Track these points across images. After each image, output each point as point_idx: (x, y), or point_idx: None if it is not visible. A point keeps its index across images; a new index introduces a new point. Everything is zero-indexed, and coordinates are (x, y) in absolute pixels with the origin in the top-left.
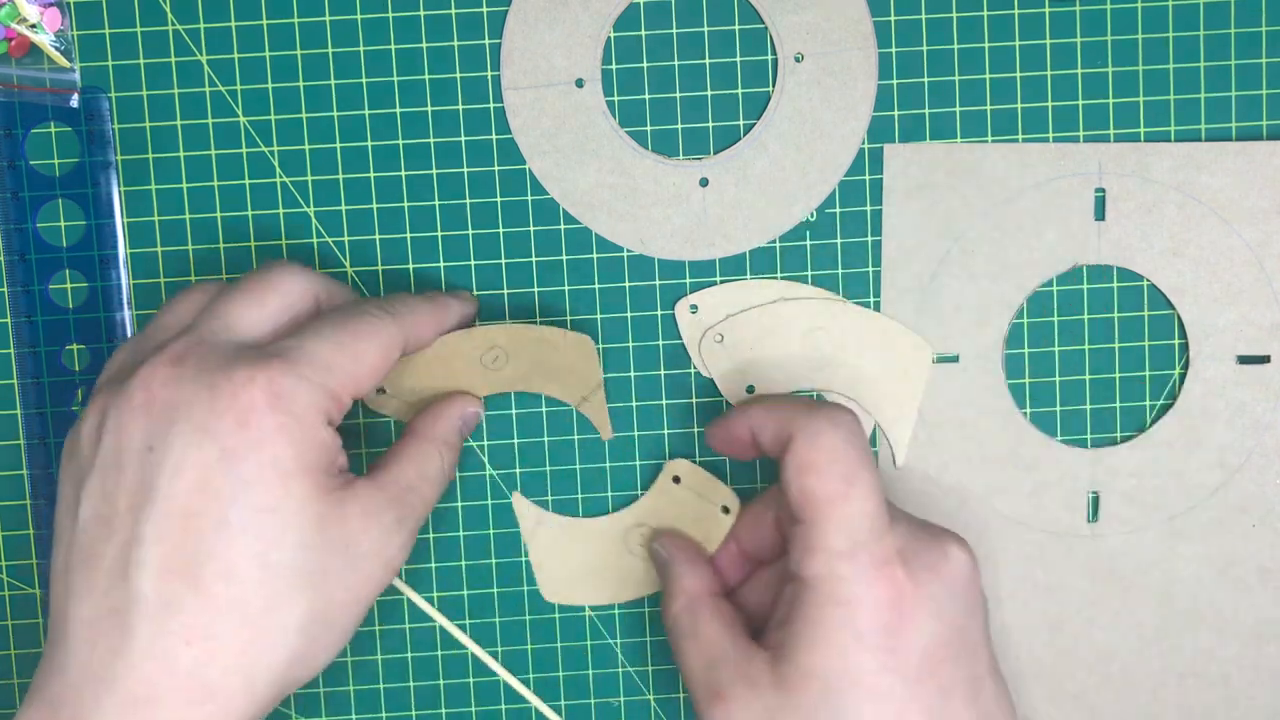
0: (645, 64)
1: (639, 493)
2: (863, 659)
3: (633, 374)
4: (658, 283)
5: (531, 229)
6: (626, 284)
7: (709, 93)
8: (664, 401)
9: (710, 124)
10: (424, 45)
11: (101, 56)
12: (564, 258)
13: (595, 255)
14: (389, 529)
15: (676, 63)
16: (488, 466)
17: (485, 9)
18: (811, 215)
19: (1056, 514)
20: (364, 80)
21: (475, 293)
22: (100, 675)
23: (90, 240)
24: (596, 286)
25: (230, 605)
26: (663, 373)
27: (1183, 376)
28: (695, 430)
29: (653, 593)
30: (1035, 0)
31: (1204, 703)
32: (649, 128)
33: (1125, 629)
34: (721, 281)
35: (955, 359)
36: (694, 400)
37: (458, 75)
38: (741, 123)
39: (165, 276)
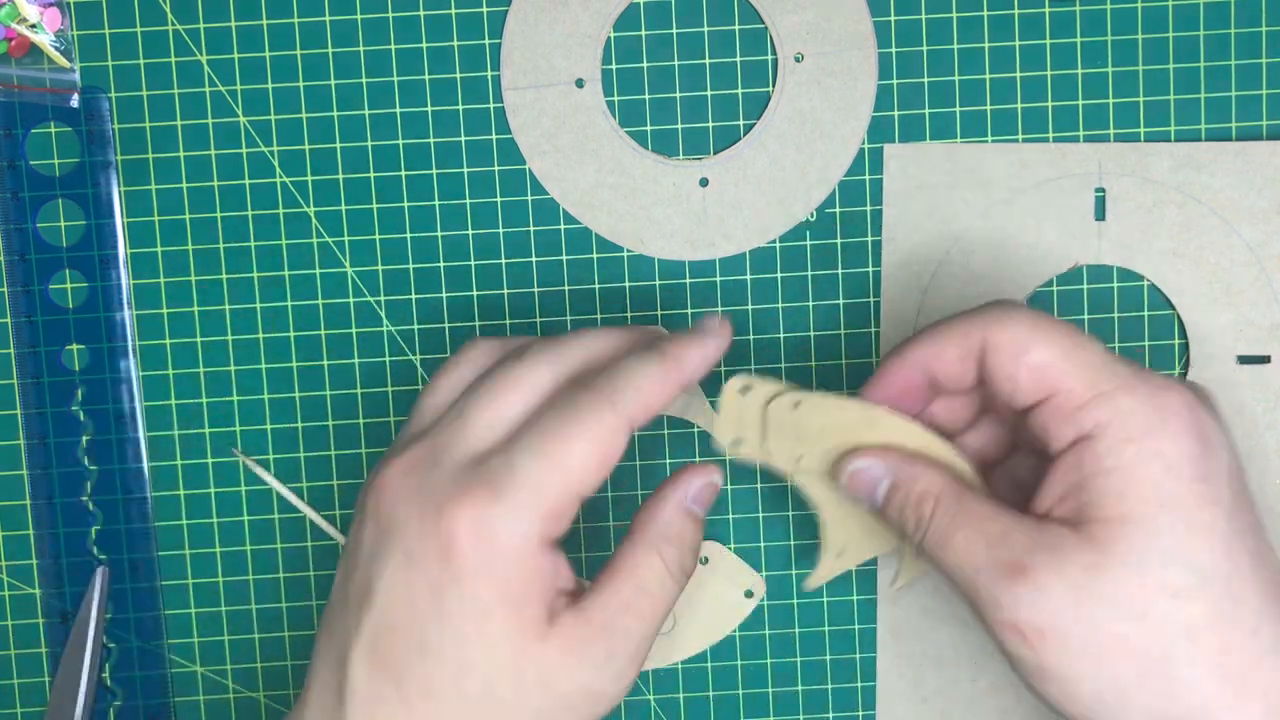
0: (645, 64)
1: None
2: (1180, 492)
3: None
4: (658, 283)
5: (531, 229)
6: (626, 284)
7: (709, 93)
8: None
9: (710, 124)
10: (424, 45)
11: (101, 56)
12: (564, 258)
13: (595, 255)
14: (597, 665)
15: (676, 63)
16: None
17: (485, 9)
18: (811, 215)
19: None
20: (364, 80)
21: (475, 292)
22: None
23: (90, 240)
24: (596, 286)
25: (430, 717)
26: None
27: (1183, 376)
28: (695, 431)
29: (658, 667)
30: (1035, 0)
31: None
32: (649, 128)
33: None
34: (722, 282)
35: None
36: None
37: (458, 75)
38: (741, 123)
39: (165, 276)
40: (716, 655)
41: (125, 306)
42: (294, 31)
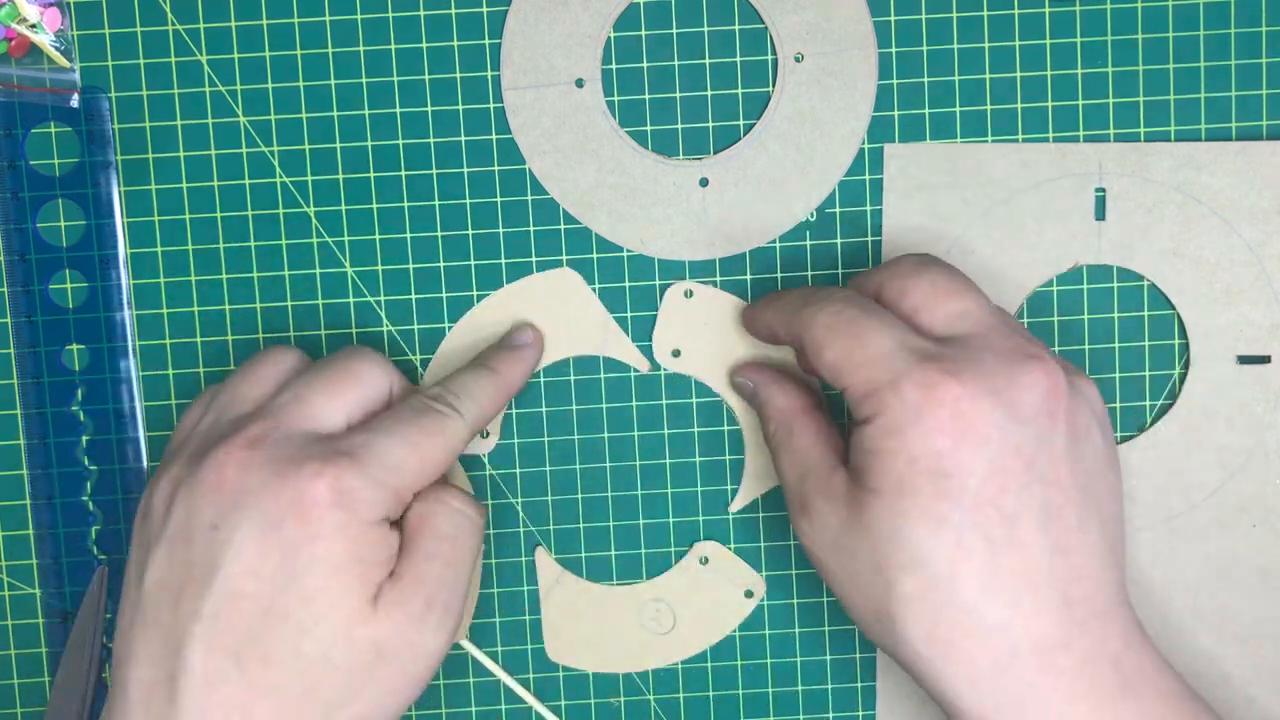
0: (645, 64)
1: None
2: (919, 483)
3: (632, 375)
4: (657, 282)
5: (531, 229)
6: (626, 284)
7: (709, 93)
8: (663, 401)
9: (710, 124)
10: (424, 45)
11: (101, 56)
12: (564, 258)
13: (595, 255)
14: (415, 617)
15: (676, 63)
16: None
17: (485, 9)
18: (811, 215)
19: None
20: (364, 80)
21: (475, 292)
22: None
23: (90, 240)
24: (597, 286)
25: (268, 688)
26: (664, 373)
27: (1183, 376)
28: (695, 430)
29: (658, 667)
30: (1035, 0)
31: None
32: (649, 128)
33: None
34: (722, 282)
35: None
36: (694, 400)
37: (458, 75)
38: (741, 123)
39: (165, 276)
40: (716, 655)
41: (125, 306)
42: (294, 31)
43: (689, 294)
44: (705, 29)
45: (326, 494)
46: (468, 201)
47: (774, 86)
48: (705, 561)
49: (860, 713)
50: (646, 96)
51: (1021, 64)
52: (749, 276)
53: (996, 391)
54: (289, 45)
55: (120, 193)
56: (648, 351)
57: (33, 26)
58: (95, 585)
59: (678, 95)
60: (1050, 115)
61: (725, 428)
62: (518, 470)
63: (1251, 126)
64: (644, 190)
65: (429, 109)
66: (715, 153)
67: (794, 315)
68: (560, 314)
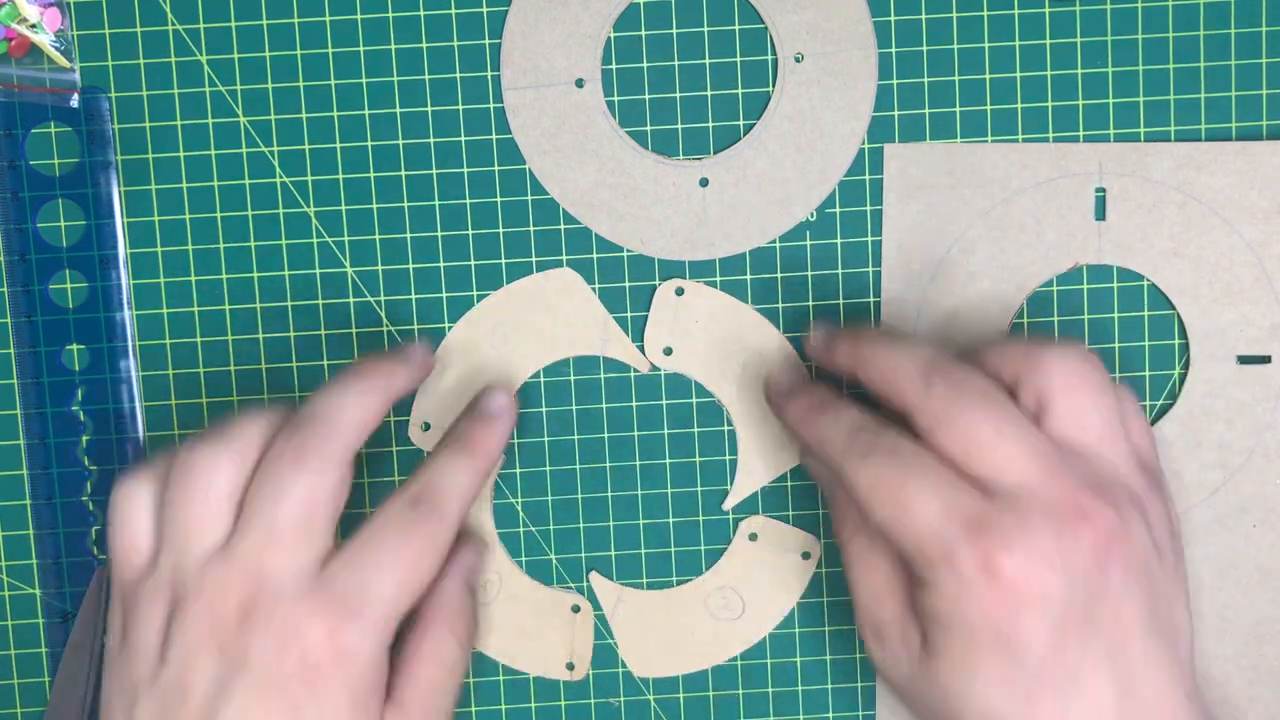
0: (645, 64)
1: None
2: (980, 650)
3: (632, 375)
4: (658, 283)
5: (531, 229)
6: (626, 284)
7: (709, 93)
8: (664, 401)
9: (710, 124)
10: (424, 45)
11: (101, 56)
12: (564, 257)
13: (595, 255)
14: None
15: (677, 63)
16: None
17: (485, 9)
18: (811, 215)
19: None
20: (364, 80)
21: (475, 292)
22: None
23: (90, 240)
24: (597, 286)
25: None
26: (663, 374)
27: (1183, 376)
28: (695, 431)
29: (745, 649)
30: (1035, 0)
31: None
32: (649, 128)
33: None
34: (721, 282)
35: None
36: (694, 400)
37: (458, 75)
38: (741, 123)
39: (165, 276)
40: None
41: (125, 306)
42: (294, 31)
43: (679, 292)
44: (705, 29)
45: (327, 656)
46: (468, 201)
47: (774, 86)
48: (754, 538)
49: (860, 713)
50: (646, 96)
51: (1021, 64)
52: (749, 276)
53: (1048, 558)
54: (289, 45)
55: (120, 193)
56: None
57: (33, 26)
58: (95, 585)
59: (678, 95)
60: (1050, 115)
61: (725, 428)
62: (518, 470)
63: (1251, 126)
64: (644, 190)
65: (429, 109)
66: (715, 153)
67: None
68: (560, 314)
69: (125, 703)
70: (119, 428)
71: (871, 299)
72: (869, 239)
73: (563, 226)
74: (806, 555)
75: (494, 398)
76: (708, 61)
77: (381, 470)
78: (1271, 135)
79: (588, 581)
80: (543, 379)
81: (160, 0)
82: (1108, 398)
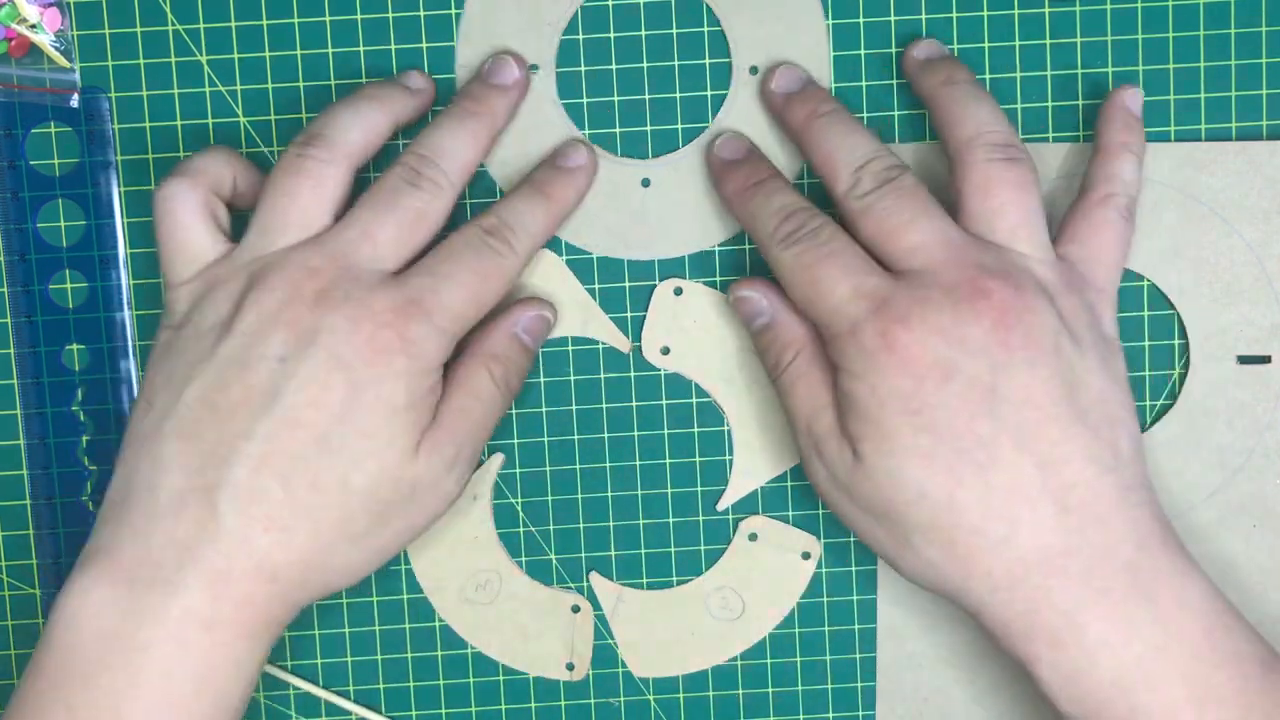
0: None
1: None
2: (895, 423)
3: (632, 375)
4: (657, 283)
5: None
6: (626, 284)
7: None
8: (663, 401)
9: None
10: (424, 45)
11: (101, 56)
12: (564, 258)
13: (595, 255)
14: (447, 463)
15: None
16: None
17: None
18: None
19: None
20: (364, 81)
21: None
22: (184, 546)
23: (90, 240)
24: (596, 286)
25: (308, 509)
26: (663, 374)
27: (1183, 376)
28: (695, 431)
29: (745, 649)
30: (1035, 0)
31: None
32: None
33: None
34: (721, 282)
35: None
36: (694, 400)
37: (458, 76)
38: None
39: None
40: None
41: (125, 306)
42: (294, 31)
43: (678, 291)
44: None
45: (397, 341)
46: (467, 202)
47: (727, 95)
48: (754, 538)
49: (860, 713)
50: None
51: (1021, 64)
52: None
53: (943, 330)
54: (289, 45)
55: (120, 193)
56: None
57: (33, 26)
58: None
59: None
60: (1050, 115)
61: (725, 428)
62: (518, 470)
63: (1251, 126)
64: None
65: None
66: (657, 155)
67: (754, 212)
68: (540, 295)
69: (180, 378)
70: (119, 428)
71: None
72: None
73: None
74: (806, 555)
75: (575, 151)
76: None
77: None
78: (1271, 135)
79: (588, 581)
80: (542, 379)
81: (160, 0)
82: (1026, 197)
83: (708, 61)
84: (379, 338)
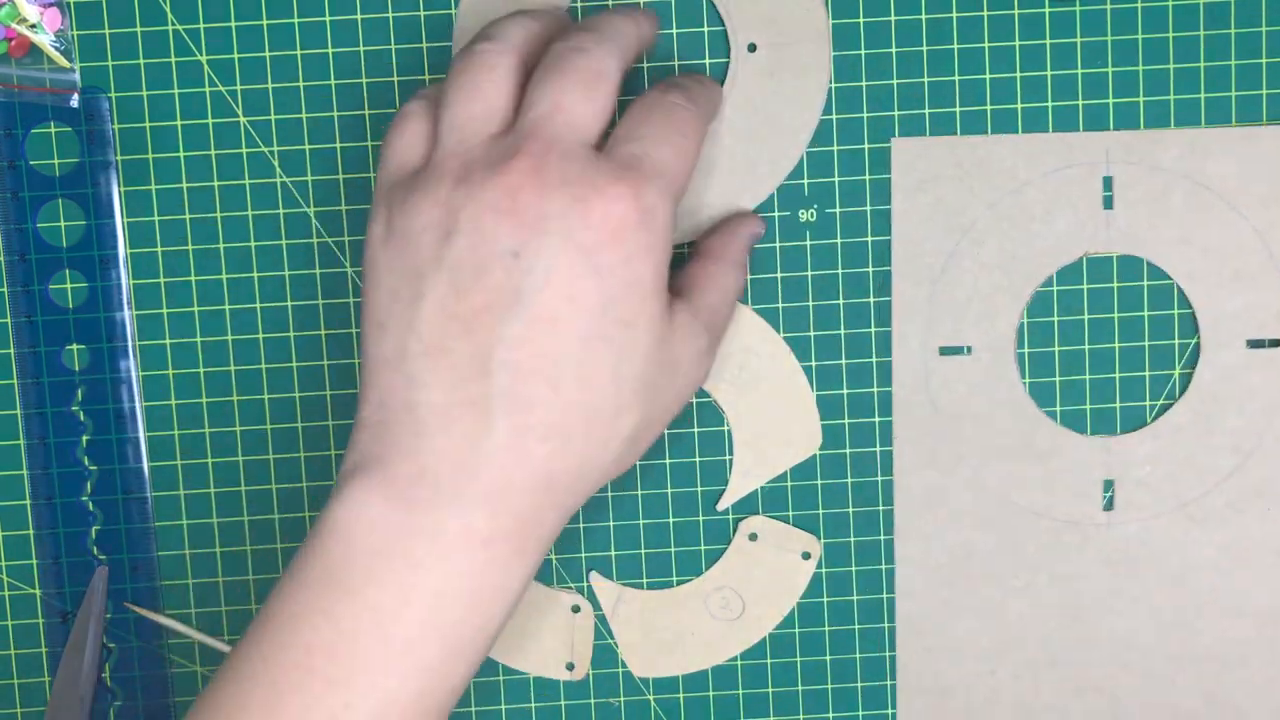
0: None
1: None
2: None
3: None
4: None
5: None
6: None
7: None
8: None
9: None
10: (424, 45)
11: (101, 56)
12: None
13: None
14: (703, 351)
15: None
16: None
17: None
18: (811, 215)
19: (1071, 503)
20: (364, 80)
21: None
22: (459, 462)
23: (90, 240)
24: None
25: (582, 408)
26: None
27: (1194, 362)
28: (695, 431)
29: (744, 649)
30: (1035, 0)
31: (1223, 686)
32: None
33: (1143, 615)
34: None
35: (967, 350)
36: (693, 400)
37: None
38: None
39: (165, 276)
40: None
41: (125, 306)
42: (294, 31)
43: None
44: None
45: (634, 214)
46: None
47: (727, 76)
48: (754, 538)
49: (860, 712)
50: None
51: (1021, 64)
52: (749, 276)
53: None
54: (289, 45)
55: (120, 193)
56: None
57: (33, 26)
58: (95, 585)
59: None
60: (1050, 115)
61: (724, 428)
62: None
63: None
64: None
65: None
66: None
67: None
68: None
69: (408, 293)
70: (119, 428)
71: (872, 299)
72: (869, 239)
73: None
74: (806, 555)
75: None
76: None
77: None
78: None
79: (588, 581)
80: None
81: (160, 0)
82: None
83: (707, 61)
84: (615, 214)
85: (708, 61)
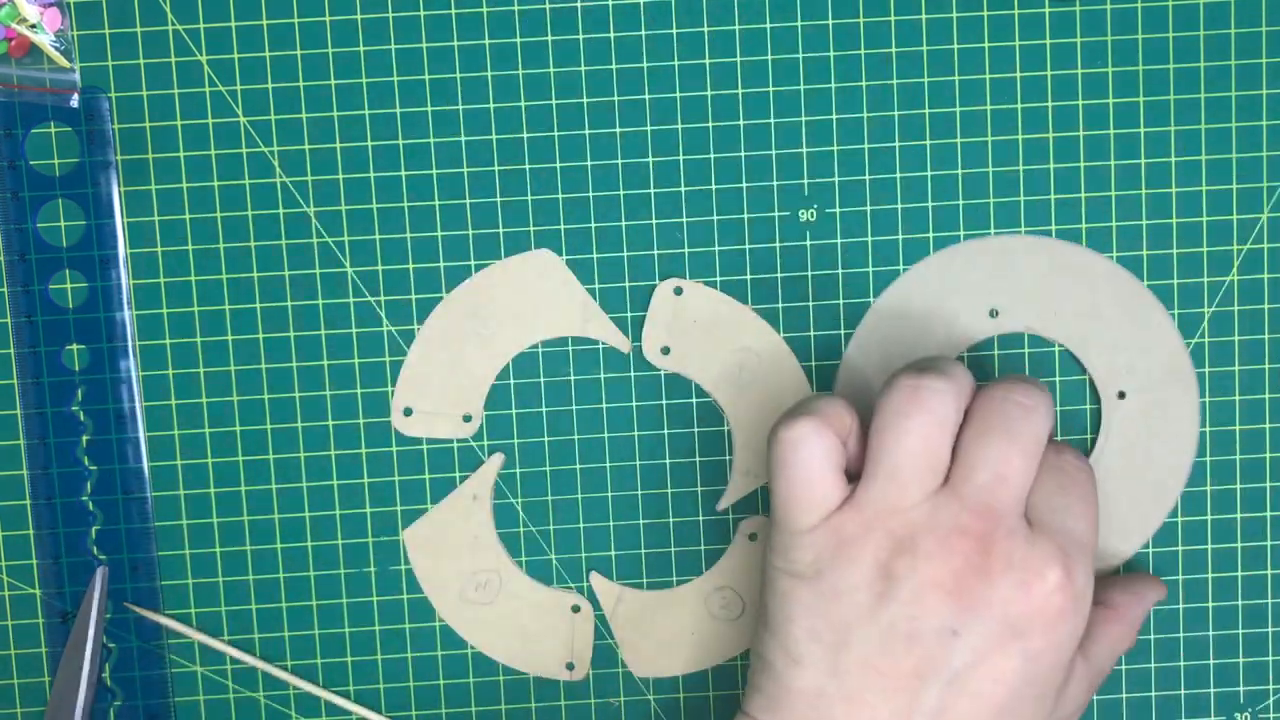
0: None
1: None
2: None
3: (632, 375)
4: (657, 282)
5: (531, 229)
6: (626, 284)
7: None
8: (664, 401)
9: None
10: (424, 45)
11: (101, 56)
12: (564, 258)
13: (595, 255)
14: (1084, 695)
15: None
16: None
17: (485, 9)
18: (812, 215)
19: None
20: (364, 80)
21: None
22: None
23: (90, 240)
24: (596, 286)
25: None
26: (663, 374)
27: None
28: (695, 431)
29: (744, 651)
30: (1035, 0)
31: None
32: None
33: None
34: (721, 282)
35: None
36: (694, 400)
37: (457, 75)
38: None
39: (165, 276)
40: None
41: (125, 306)
42: (294, 31)
43: (678, 291)
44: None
45: (1070, 601)
46: (467, 201)
47: (1100, 425)
48: (754, 538)
49: None
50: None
51: (1021, 64)
52: (749, 276)
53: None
54: (289, 45)
55: (120, 193)
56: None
57: (33, 27)
58: (95, 585)
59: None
60: (1050, 115)
61: (725, 428)
62: (518, 470)
63: (1252, 126)
64: None
65: (429, 109)
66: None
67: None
68: (539, 295)
69: (830, 638)
70: (119, 428)
71: (872, 299)
72: (869, 239)
73: (563, 226)
74: None
75: (1029, 391)
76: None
77: (381, 469)
78: (1271, 135)
79: (588, 581)
80: (542, 380)
81: (160, 0)
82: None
83: (707, 61)
84: (1054, 601)
85: (1085, 407)
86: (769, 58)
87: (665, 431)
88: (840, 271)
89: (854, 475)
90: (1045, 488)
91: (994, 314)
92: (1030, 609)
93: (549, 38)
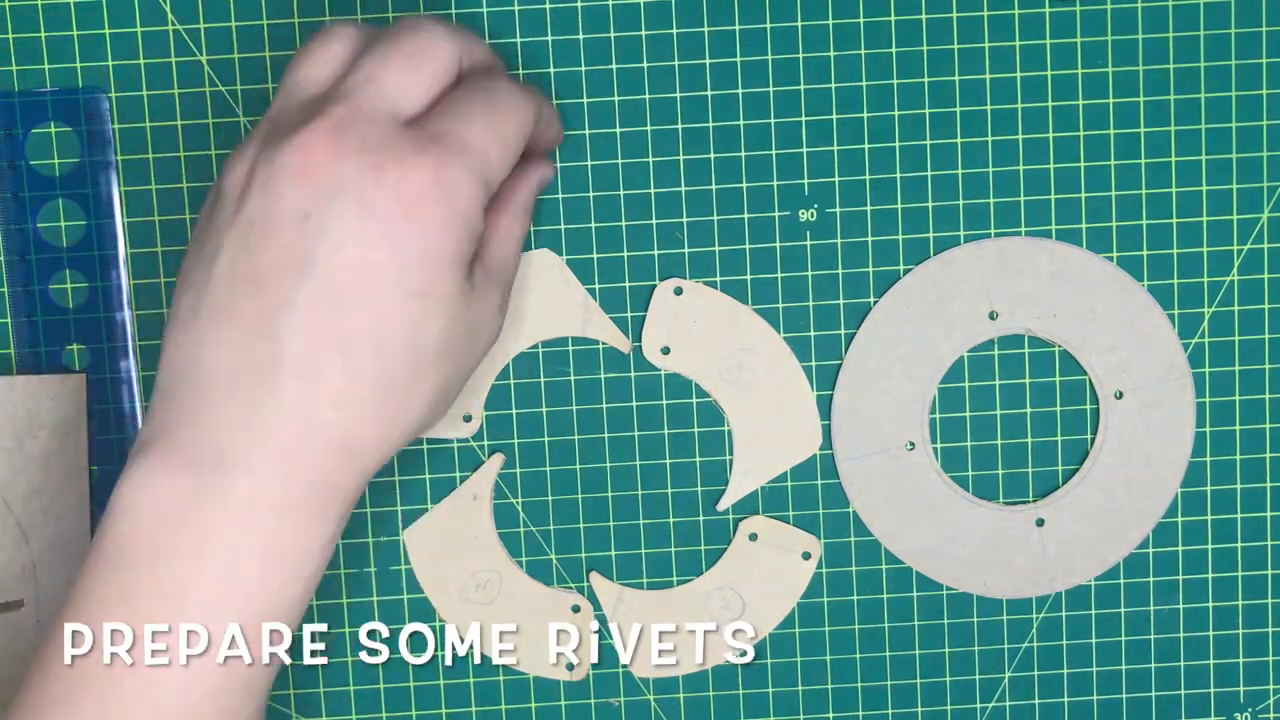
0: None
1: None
2: None
3: (632, 375)
4: (657, 282)
5: (531, 229)
6: (626, 284)
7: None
8: (664, 401)
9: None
10: None
11: (101, 56)
12: (564, 257)
13: (595, 255)
14: (497, 307)
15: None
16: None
17: (485, 9)
18: (812, 215)
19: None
20: None
21: None
22: (246, 425)
23: (90, 240)
24: (597, 286)
25: (376, 377)
26: (663, 374)
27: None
28: (695, 431)
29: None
30: (1035, 0)
31: None
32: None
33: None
34: (721, 282)
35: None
36: (694, 400)
37: None
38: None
39: (165, 276)
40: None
41: (125, 306)
42: (294, 32)
43: (678, 291)
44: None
45: (430, 188)
46: None
47: (1098, 426)
48: (754, 538)
49: (860, 712)
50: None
51: (1021, 64)
52: (749, 276)
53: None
54: (289, 45)
55: (120, 193)
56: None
57: None
58: None
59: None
60: (1050, 115)
61: (725, 428)
62: (518, 470)
63: (1252, 126)
64: (984, 537)
65: None
66: (1045, 493)
67: None
68: (540, 295)
69: (208, 252)
70: (119, 428)
71: (872, 299)
72: (869, 239)
73: (563, 226)
74: (807, 555)
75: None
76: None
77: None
78: (1272, 135)
79: (588, 581)
80: (542, 380)
81: (160, 0)
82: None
83: (708, 61)
84: (410, 185)
85: (1085, 407)
86: (769, 58)
87: (665, 431)
88: (840, 271)
89: None
90: (456, 104)
91: (993, 316)
92: (384, 193)
93: (549, 38)
